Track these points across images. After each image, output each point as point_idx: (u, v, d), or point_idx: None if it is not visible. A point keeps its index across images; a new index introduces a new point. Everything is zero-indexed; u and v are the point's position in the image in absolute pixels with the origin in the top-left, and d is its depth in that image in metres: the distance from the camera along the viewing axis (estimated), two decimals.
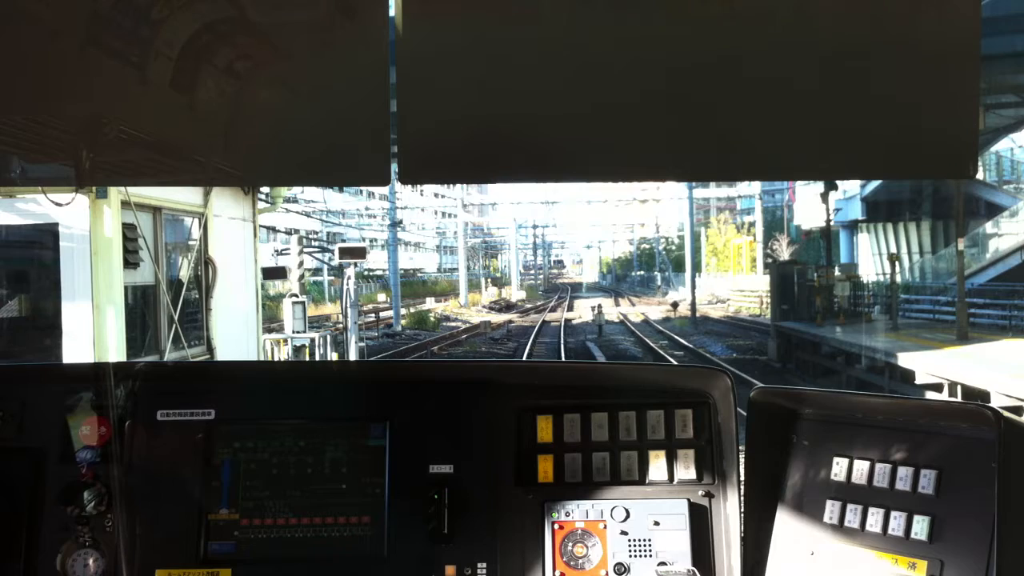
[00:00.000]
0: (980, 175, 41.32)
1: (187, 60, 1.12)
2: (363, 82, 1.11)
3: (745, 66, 1.10)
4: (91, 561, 2.10)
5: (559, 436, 2.21)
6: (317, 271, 51.62)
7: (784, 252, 52.66)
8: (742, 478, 2.14)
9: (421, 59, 1.10)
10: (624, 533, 2.11)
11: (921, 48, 1.10)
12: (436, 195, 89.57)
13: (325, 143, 1.15)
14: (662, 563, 2.06)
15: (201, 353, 11.54)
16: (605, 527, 2.12)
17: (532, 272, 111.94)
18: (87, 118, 1.15)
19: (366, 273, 63.76)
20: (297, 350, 17.00)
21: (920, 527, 1.79)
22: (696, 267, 59.39)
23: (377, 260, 65.45)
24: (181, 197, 11.24)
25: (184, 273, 11.46)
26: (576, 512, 2.13)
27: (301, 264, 19.53)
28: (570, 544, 2.11)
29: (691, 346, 30.93)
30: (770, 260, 47.53)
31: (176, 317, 10.61)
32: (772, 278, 32.30)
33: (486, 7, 1.11)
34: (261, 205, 14.90)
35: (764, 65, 1.10)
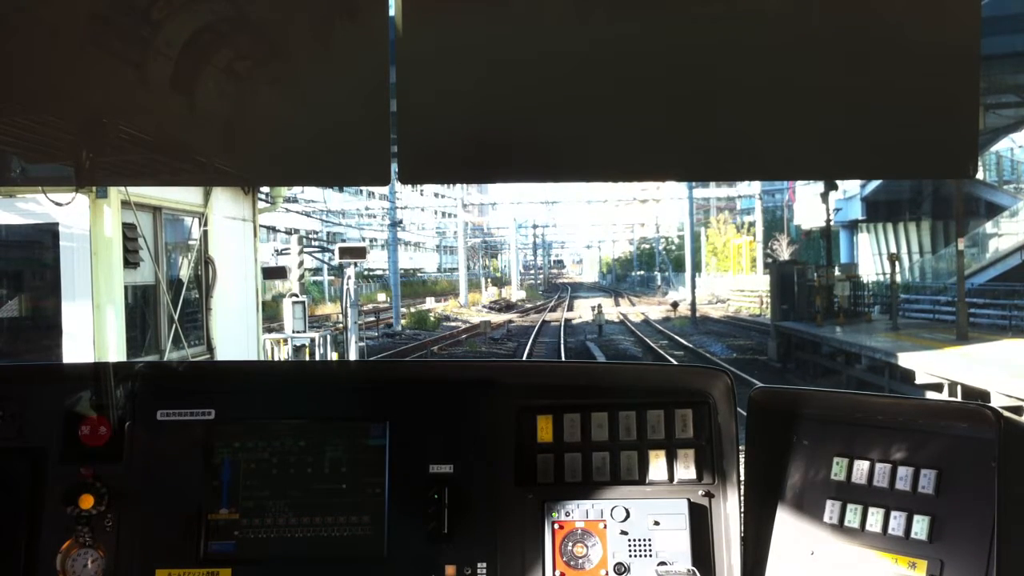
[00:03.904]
0: (980, 175, 41.31)
1: (187, 60, 1.12)
2: (363, 82, 1.11)
3: (745, 66, 1.10)
4: (91, 561, 2.10)
5: (559, 436, 2.21)
6: (317, 271, 51.64)
7: (784, 252, 52.68)
8: (742, 478, 2.14)
9: (421, 59, 1.10)
10: (624, 533, 2.10)
11: (921, 48, 1.10)
12: (436, 195, 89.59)
13: (325, 143, 1.15)
14: (662, 563, 2.06)
15: (201, 353, 11.54)
16: (605, 527, 2.12)
17: (532, 272, 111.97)
18: (87, 118, 1.15)
19: (366, 273, 63.78)
20: (297, 350, 17.01)
21: (920, 527, 1.79)
22: (696, 267, 59.41)
23: (377, 260, 65.46)
24: (181, 197, 11.24)
25: (184, 273, 11.46)
26: (576, 512, 2.13)
27: (301, 264, 19.54)
28: (570, 544, 2.11)
29: (691, 346, 30.94)
30: (770, 260, 47.53)
31: (176, 317, 10.61)
32: (772, 278, 32.28)
33: (486, 7, 1.11)
34: (261, 205, 14.90)
35: (764, 65, 1.10)
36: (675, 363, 18.26)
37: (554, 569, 2.09)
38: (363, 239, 57.37)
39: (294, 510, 2.14)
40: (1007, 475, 1.64)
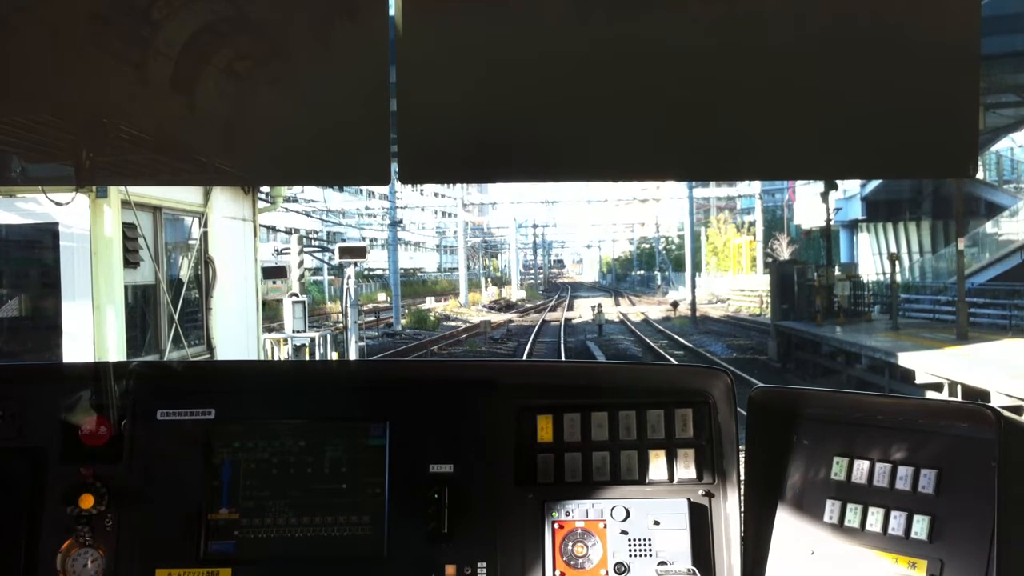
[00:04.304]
0: (980, 175, 41.32)
1: (187, 60, 1.12)
2: (363, 82, 1.11)
3: (745, 66, 1.10)
4: (91, 561, 2.10)
5: (559, 436, 2.21)
6: (317, 271, 51.65)
7: (784, 252, 52.66)
8: (742, 478, 2.14)
9: (421, 59, 1.10)
10: (624, 532, 2.10)
11: (921, 48, 1.10)
12: (436, 195, 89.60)
13: (325, 143, 1.15)
14: (662, 563, 2.06)
15: (201, 353, 11.54)
16: (605, 527, 2.12)
17: (532, 272, 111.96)
18: (87, 118, 1.15)
19: (366, 273, 63.78)
20: (297, 350, 17.00)
21: (920, 527, 1.79)
22: (696, 267, 59.40)
23: (377, 260, 65.47)
24: (181, 197, 11.24)
25: (184, 273, 11.46)
26: (576, 512, 2.13)
27: (301, 264, 19.54)
28: (570, 544, 2.11)
29: (691, 345, 30.94)
30: (770, 259, 47.51)
31: (176, 316, 10.61)
32: (772, 278, 32.28)
33: (486, 7, 1.11)
34: (261, 205, 14.90)
35: (764, 65, 1.10)
36: (675, 363, 18.26)
37: (554, 569, 2.09)
38: (363, 239, 57.37)
39: (294, 510, 2.14)
40: (1007, 475, 1.64)
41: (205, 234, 11.70)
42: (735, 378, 2.20)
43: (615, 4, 1.10)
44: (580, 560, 2.10)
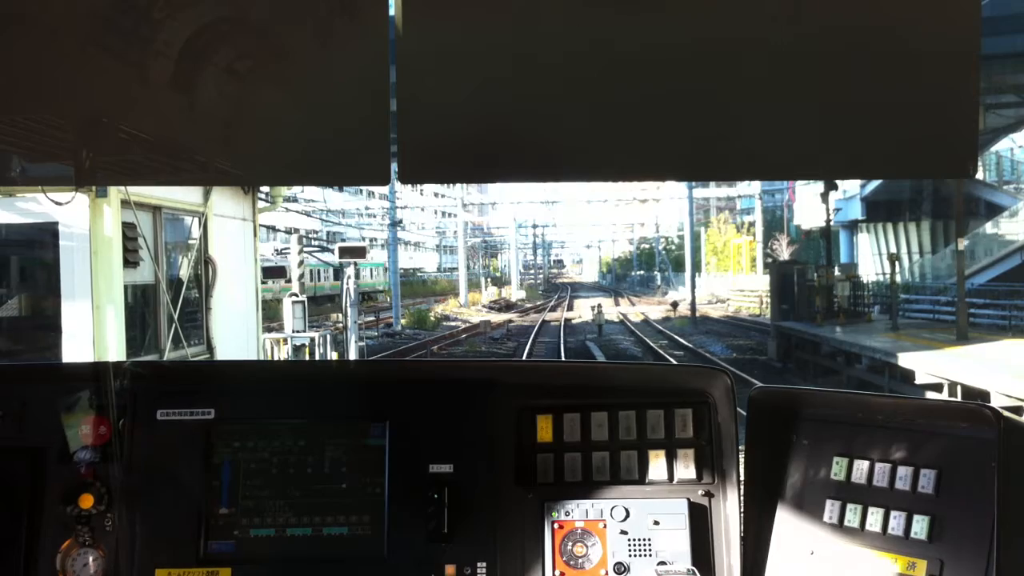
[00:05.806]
0: (980, 175, 41.33)
1: (187, 60, 1.12)
2: (363, 82, 1.11)
3: (745, 66, 1.10)
4: (91, 560, 2.10)
5: (559, 436, 2.21)
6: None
7: (784, 252, 52.70)
8: (742, 478, 2.14)
9: (421, 59, 1.10)
10: (624, 532, 2.11)
11: (921, 48, 1.10)
12: (436, 195, 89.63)
13: (325, 143, 1.15)
14: (662, 562, 2.06)
15: (201, 352, 11.53)
16: (605, 526, 2.12)
17: (532, 272, 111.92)
18: (87, 118, 1.15)
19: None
20: (297, 350, 16.99)
21: (920, 527, 1.79)
22: (696, 267, 59.42)
23: (377, 259, 65.45)
24: (181, 196, 11.23)
25: (184, 272, 11.46)
26: (576, 512, 2.13)
27: (301, 264, 19.52)
28: (570, 544, 2.11)
29: (691, 346, 30.94)
30: (770, 260, 47.55)
31: (176, 316, 10.61)
32: (772, 278, 32.32)
33: (486, 7, 1.11)
34: (261, 204, 14.89)
35: (764, 65, 1.10)
36: (675, 363, 18.26)
37: (554, 569, 2.09)
38: (363, 239, 57.37)
39: (294, 510, 2.14)
40: (1007, 475, 1.64)
41: (205, 234, 11.70)
42: (735, 378, 2.20)
43: (615, 4, 1.10)
44: (580, 560, 2.10)
